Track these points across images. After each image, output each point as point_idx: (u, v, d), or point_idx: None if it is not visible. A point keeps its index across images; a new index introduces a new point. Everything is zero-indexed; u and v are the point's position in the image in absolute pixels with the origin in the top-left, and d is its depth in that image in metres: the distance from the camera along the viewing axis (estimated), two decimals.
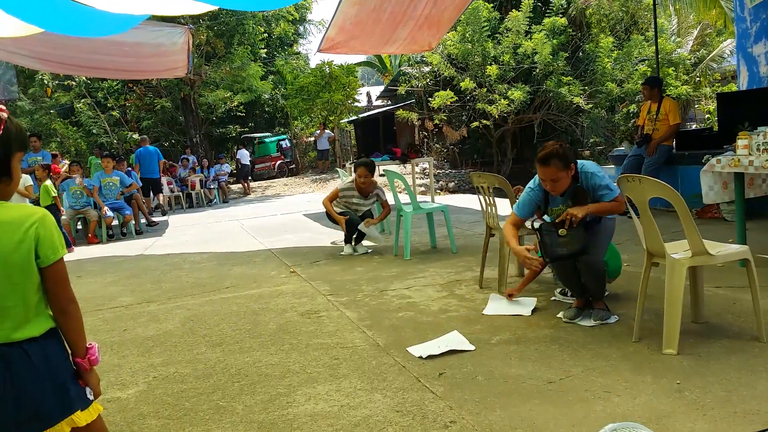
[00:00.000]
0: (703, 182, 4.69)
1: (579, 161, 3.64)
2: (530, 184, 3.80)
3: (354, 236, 6.61)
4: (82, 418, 1.65)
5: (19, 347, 1.58)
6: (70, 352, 1.70)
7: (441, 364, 3.22)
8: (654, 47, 10.52)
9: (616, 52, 15.05)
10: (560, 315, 3.80)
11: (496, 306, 4.14)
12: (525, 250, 3.67)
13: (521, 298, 4.20)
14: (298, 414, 2.78)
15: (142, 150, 13.56)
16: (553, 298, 4.26)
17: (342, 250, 6.73)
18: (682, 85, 14.68)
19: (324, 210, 6.69)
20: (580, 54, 15.67)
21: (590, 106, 14.79)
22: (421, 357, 3.32)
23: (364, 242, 6.81)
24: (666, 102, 7.47)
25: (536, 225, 3.67)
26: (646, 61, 15.09)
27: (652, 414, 2.45)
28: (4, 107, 1.65)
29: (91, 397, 1.71)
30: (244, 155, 20.24)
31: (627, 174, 3.50)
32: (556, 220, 3.51)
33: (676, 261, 3.11)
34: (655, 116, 7.46)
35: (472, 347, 3.41)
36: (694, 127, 15.84)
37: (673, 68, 14.94)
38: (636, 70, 14.83)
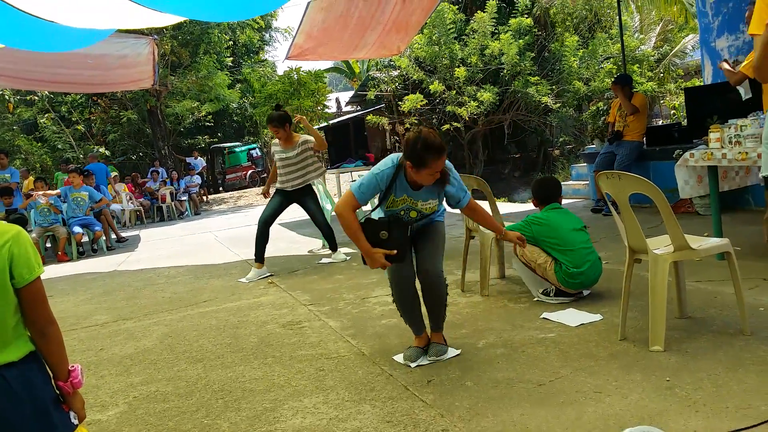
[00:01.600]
0: (678, 177, 4.73)
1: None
2: (381, 167, 3.22)
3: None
4: None
5: None
6: (51, 375, 1.63)
7: (429, 371, 3.18)
8: (619, 44, 10.67)
9: (581, 50, 15.25)
10: (398, 358, 3.37)
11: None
12: (375, 252, 3.12)
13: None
14: (285, 429, 2.71)
15: (91, 166, 12.98)
16: (535, 298, 4.25)
17: (321, 258, 6.69)
18: (647, 81, 14.92)
19: (300, 218, 6.58)
20: (546, 53, 15.85)
21: (558, 105, 14.95)
22: (408, 365, 3.28)
23: (342, 251, 6.71)
24: (637, 97, 7.56)
25: (380, 214, 3.35)
26: (612, 59, 15.30)
27: (644, 413, 2.44)
28: None
29: (75, 422, 1.65)
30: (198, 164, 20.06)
31: (605, 171, 3.51)
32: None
33: (659, 256, 3.11)
34: (625, 113, 7.54)
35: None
36: (660, 122, 16.12)
37: (637, 65, 15.18)
38: (602, 68, 15.04)
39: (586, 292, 4.18)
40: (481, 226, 4.37)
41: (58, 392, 1.63)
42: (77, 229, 9.77)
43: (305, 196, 6.38)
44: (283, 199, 6.33)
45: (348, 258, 6.59)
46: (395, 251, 3.13)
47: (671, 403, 2.49)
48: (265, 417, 2.86)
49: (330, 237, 6.57)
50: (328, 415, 2.80)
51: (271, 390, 3.18)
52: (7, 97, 20.95)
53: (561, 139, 16.96)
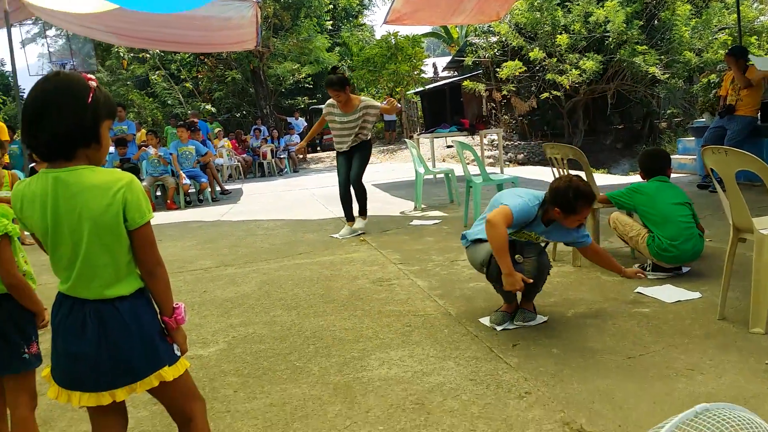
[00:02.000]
0: None
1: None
2: (533, 199, 3.27)
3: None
4: (169, 373, 1.71)
5: (111, 305, 1.65)
6: (157, 311, 1.77)
7: (514, 336, 3.20)
8: (735, 15, 9.95)
9: (694, 20, 14.33)
10: (484, 320, 3.43)
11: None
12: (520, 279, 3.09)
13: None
14: (372, 378, 2.82)
15: (202, 123, 13.62)
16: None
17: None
18: (765, 54, 13.87)
19: (393, 180, 6.62)
20: (656, 22, 15.00)
21: (667, 76, 14.18)
22: (494, 327, 3.31)
23: (356, 225, 6.40)
24: (751, 71, 7.08)
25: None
26: (727, 30, 14.31)
27: (738, 394, 2.37)
28: (93, 77, 1.70)
29: (178, 353, 1.78)
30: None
31: (711, 146, 3.35)
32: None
33: (766, 236, 2.96)
34: (739, 86, 7.09)
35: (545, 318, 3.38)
36: None
37: (755, 37, 14.11)
38: (716, 38, 14.09)
39: (685, 269, 4.04)
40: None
41: (163, 326, 1.78)
42: (185, 179, 10.34)
43: (358, 151, 6.31)
44: (345, 159, 6.37)
45: (361, 233, 6.34)
46: (531, 280, 3.14)
47: None
48: (352, 365, 2.99)
49: (362, 200, 6.41)
50: (412, 369, 2.89)
51: (360, 341, 3.30)
52: (121, 54, 22.19)
53: (668, 111, 16.13)
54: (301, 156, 18.81)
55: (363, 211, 6.45)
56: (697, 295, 3.53)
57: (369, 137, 6.36)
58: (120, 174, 1.65)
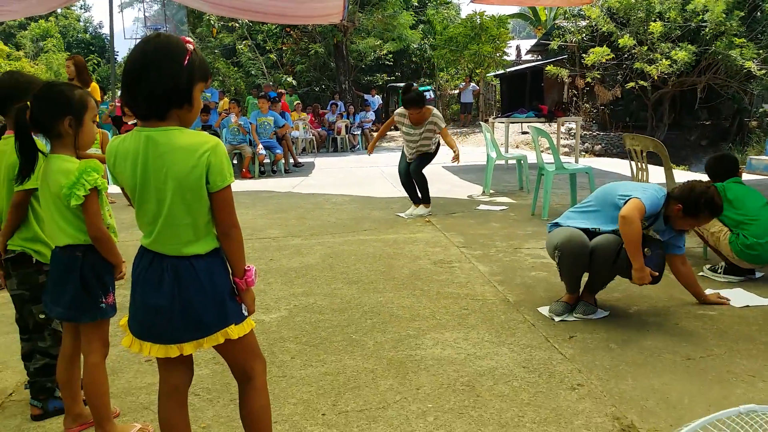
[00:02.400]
0: None
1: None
2: (660, 191, 3.25)
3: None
4: (235, 331, 1.79)
5: (188, 261, 1.73)
6: (230, 271, 1.84)
7: (572, 328, 3.18)
8: None
9: None
10: (543, 310, 3.42)
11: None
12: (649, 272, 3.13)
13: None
14: (425, 356, 2.87)
15: (271, 93, 13.48)
16: (700, 273, 4.02)
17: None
18: None
19: (464, 163, 6.56)
20: (758, 14, 14.14)
21: (763, 72, 13.38)
22: (552, 317, 3.29)
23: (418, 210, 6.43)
24: None
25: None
26: None
27: None
28: (191, 40, 1.76)
29: (245, 313, 1.85)
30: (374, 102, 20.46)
31: None
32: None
33: None
34: None
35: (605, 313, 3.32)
36: None
37: None
38: None
39: (759, 274, 3.89)
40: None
41: (234, 286, 1.86)
42: (261, 149, 10.61)
43: (420, 155, 6.43)
44: (406, 162, 6.49)
45: (427, 213, 6.41)
46: (657, 273, 3.15)
47: None
48: (407, 342, 3.05)
49: (423, 188, 6.44)
50: (466, 351, 2.92)
51: (416, 319, 3.36)
52: (212, 22, 22.81)
53: (761, 110, 15.26)
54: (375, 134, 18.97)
55: (426, 199, 6.47)
56: (602, 313, 3.36)
57: (432, 150, 6.44)
58: (206, 137, 1.71)
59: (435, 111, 6.31)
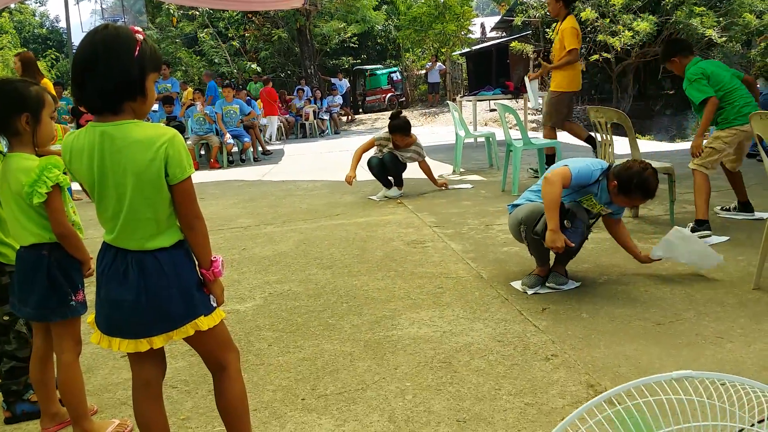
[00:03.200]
0: None
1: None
2: (595, 165, 3.30)
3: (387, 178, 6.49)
4: (204, 322, 1.78)
5: (152, 255, 1.72)
6: (196, 263, 1.83)
7: (544, 300, 3.23)
8: None
9: None
10: (516, 284, 3.46)
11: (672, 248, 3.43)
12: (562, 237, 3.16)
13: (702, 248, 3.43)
14: (401, 336, 2.90)
15: (212, 84, 12.80)
16: (714, 210, 4.62)
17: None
18: None
19: (434, 143, 6.59)
20: None
21: (724, 39, 13.59)
22: (525, 291, 3.34)
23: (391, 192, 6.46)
24: None
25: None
26: None
27: (766, 362, 2.36)
28: (140, 30, 1.74)
29: (214, 304, 1.84)
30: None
31: (760, 111, 3.26)
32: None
33: None
34: None
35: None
36: None
37: None
38: None
39: (724, 238, 4.01)
40: (616, 162, 4.35)
41: (201, 278, 1.85)
42: (229, 139, 10.49)
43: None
44: (378, 158, 6.47)
45: (400, 195, 6.42)
46: (573, 244, 3.18)
47: None
48: (383, 323, 3.07)
49: (399, 174, 6.47)
50: (441, 329, 2.95)
51: (391, 300, 3.38)
52: (171, 11, 22.38)
53: None
54: (344, 119, 18.92)
55: (399, 183, 6.52)
56: (573, 284, 3.40)
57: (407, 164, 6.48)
58: (163, 129, 1.70)
59: (419, 140, 6.45)
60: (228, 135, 10.46)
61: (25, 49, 14.17)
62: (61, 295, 2.14)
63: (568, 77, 6.51)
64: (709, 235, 4.06)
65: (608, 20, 14.01)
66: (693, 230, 4.03)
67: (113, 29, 1.69)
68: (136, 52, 1.65)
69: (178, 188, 1.71)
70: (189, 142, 10.00)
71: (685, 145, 11.24)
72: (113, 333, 1.76)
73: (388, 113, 21.86)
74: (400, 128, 6.28)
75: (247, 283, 3.86)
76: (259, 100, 14.65)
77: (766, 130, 3.03)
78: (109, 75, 1.63)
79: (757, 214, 4.54)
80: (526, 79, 7.06)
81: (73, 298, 2.17)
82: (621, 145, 4.86)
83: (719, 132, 4.27)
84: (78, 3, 22.36)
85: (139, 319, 1.72)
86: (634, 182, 3.18)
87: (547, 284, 3.38)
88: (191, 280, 1.79)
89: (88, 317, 1.85)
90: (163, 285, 1.72)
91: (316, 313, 3.27)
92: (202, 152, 11.27)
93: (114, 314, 1.74)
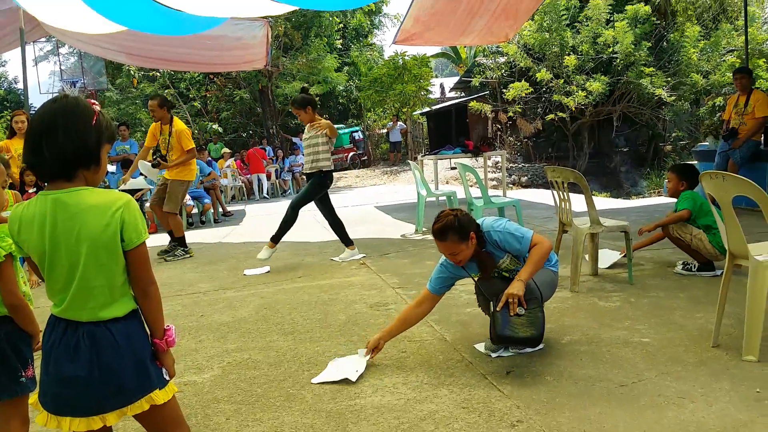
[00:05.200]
0: None
1: (482, 222, 3.33)
2: (441, 259, 3.46)
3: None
4: (160, 396, 1.73)
5: (105, 326, 1.68)
6: (149, 332, 1.79)
7: (509, 362, 3.20)
8: (744, 37, 10.00)
9: (702, 42, 14.40)
10: (479, 347, 3.41)
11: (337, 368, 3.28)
12: (375, 343, 3.29)
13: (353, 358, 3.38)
14: (365, 405, 2.82)
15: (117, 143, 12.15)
16: (674, 271, 4.69)
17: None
18: None
19: (396, 202, 6.65)
20: (664, 44, 15.09)
21: (673, 98, 14.22)
22: (489, 354, 3.31)
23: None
24: (755, 94, 7.11)
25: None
26: (735, 52, 14.36)
27: (728, 422, 2.36)
28: (95, 101, 1.76)
29: (167, 377, 1.80)
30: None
31: (710, 171, 3.37)
32: (497, 308, 3.04)
33: (760, 263, 2.97)
34: (742, 109, 7.12)
35: (354, 377, 3.12)
36: None
37: (764, 59, 14.15)
38: (724, 61, 14.15)
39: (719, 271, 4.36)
40: (575, 221, 4.47)
41: (153, 349, 1.80)
42: (188, 200, 10.39)
43: (312, 178, 6.28)
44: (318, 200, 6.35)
45: (361, 257, 6.31)
46: (521, 312, 3.05)
47: (759, 416, 2.39)
48: (346, 392, 2.99)
49: (284, 226, 6.32)
50: (406, 396, 2.89)
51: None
52: (132, 72, 22.45)
53: (674, 134, 16.15)
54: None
55: (277, 237, 6.27)
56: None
57: (326, 169, 6.18)
58: (118, 194, 1.69)
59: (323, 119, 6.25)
60: (187, 196, 10.36)
61: None
62: (10, 372, 2.05)
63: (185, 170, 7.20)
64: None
65: (562, 81, 14.55)
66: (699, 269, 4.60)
67: (72, 98, 1.72)
68: (94, 121, 1.67)
69: (134, 253, 1.69)
70: (148, 204, 9.86)
71: (641, 201, 11.56)
72: (63, 412, 1.69)
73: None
74: (294, 102, 6.22)
75: (205, 352, 3.75)
76: (221, 161, 14.64)
77: (717, 190, 3.11)
78: (68, 140, 1.63)
79: (719, 272, 4.62)
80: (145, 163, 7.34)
81: (23, 374, 2.08)
82: (578, 203, 4.95)
83: (704, 236, 4.55)
84: (36, 64, 22.23)
85: (92, 394, 1.66)
86: (434, 227, 3.25)
87: (510, 348, 3.36)
88: (145, 351, 1.75)
89: (31, 397, 1.77)
90: (117, 357, 1.67)
91: (277, 383, 3.17)
92: None
93: (64, 392, 1.68)
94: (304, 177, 6.50)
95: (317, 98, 23.07)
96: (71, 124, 1.64)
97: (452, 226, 3.15)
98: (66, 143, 1.62)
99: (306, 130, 6.36)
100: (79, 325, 1.67)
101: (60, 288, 1.68)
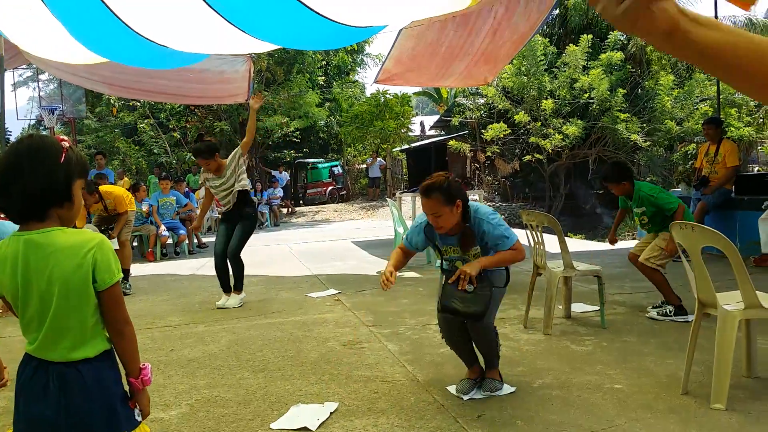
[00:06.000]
0: (762, 230, 4.56)
1: (472, 203, 3.29)
2: (421, 219, 3.40)
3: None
4: None
5: (75, 368, 1.65)
6: (123, 372, 1.76)
7: (480, 406, 3.18)
8: (716, 87, 10.31)
9: (676, 90, 14.81)
10: (452, 389, 3.40)
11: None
12: (389, 271, 3.18)
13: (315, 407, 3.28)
14: None
15: (107, 171, 12.24)
16: (647, 315, 4.74)
17: None
18: (744, 126, 14.30)
19: (373, 237, 6.64)
20: (639, 91, 15.49)
21: (648, 143, 14.55)
22: (460, 397, 3.29)
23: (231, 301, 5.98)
24: (725, 144, 7.30)
25: (445, 266, 3.41)
26: (708, 101, 14.78)
27: None
28: (66, 138, 1.76)
29: (138, 419, 1.76)
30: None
31: (679, 221, 3.43)
32: (449, 281, 3.10)
33: (728, 313, 3.01)
34: (713, 158, 7.29)
35: (314, 426, 3.00)
36: (756, 170, 15.38)
37: (735, 109, 14.58)
38: (697, 109, 14.55)
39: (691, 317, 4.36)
40: (549, 264, 4.50)
41: (126, 389, 1.76)
42: (163, 231, 10.29)
43: (242, 219, 5.96)
44: (228, 225, 6.03)
45: (240, 305, 5.97)
46: (469, 290, 3.10)
47: None
48: None
49: (239, 274, 6.03)
50: None
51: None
52: (112, 102, 22.39)
53: (648, 179, 16.43)
54: (285, 210, 18.88)
55: (239, 286, 6.04)
56: (509, 389, 3.35)
57: (248, 188, 6.03)
58: (90, 235, 1.68)
59: (238, 161, 5.91)
60: (163, 227, 10.27)
61: None
62: None
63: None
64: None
65: (540, 124, 14.82)
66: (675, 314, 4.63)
67: (38, 137, 1.71)
68: (62, 159, 1.65)
69: (107, 294, 1.68)
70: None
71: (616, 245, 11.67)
72: None
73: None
74: (199, 152, 5.80)
75: (173, 388, 3.67)
76: (197, 192, 14.54)
77: (686, 240, 3.17)
78: (34, 180, 1.62)
79: (690, 317, 4.65)
80: None
81: None
82: (553, 244, 5.00)
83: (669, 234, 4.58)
84: (15, 90, 22.10)
85: None
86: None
87: (482, 391, 3.34)
88: (115, 394, 1.72)
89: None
90: (85, 400, 1.64)
91: (245, 422, 3.12)
92: (135, 244, 10.97)
93: (33, 431, 1.65)
94: (225, 219, 6.11)
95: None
96: (37, 165, 1.62)
97: (440, 186, 3.13)
98: (33, 184, 1.61)
99: (213, 176, 5.94)
100: (50, 365, 1.65)
101: (33, 328, 1.66)
